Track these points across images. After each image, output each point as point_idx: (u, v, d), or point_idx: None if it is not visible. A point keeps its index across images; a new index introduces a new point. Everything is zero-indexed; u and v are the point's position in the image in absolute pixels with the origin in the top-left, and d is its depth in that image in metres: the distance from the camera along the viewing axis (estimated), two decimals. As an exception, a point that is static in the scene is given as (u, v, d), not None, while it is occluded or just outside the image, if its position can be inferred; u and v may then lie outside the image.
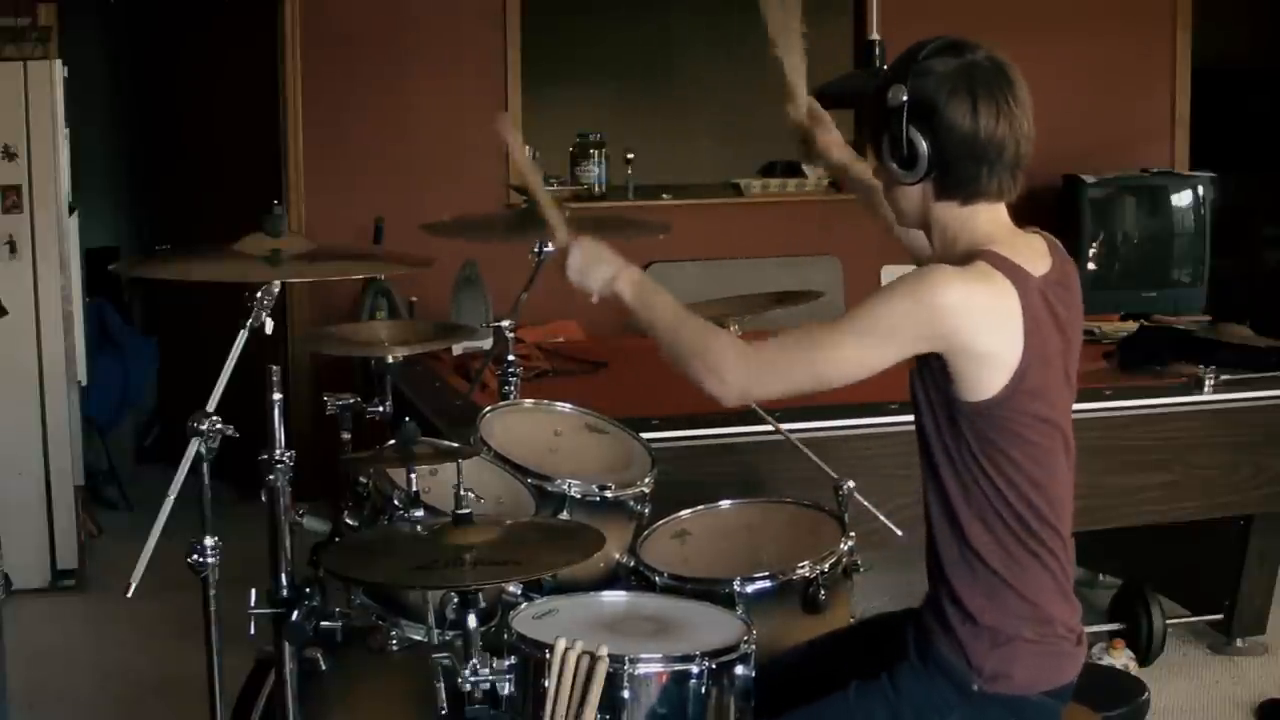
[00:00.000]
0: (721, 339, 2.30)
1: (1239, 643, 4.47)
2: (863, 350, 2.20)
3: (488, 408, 3.16)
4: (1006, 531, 2.24)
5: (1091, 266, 6.48)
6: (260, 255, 2.52)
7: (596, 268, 2.40)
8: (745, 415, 3.26)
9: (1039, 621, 2.26)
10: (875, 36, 4.76)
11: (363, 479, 2.86)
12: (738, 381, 2.26)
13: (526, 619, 2.48)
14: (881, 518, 2.98)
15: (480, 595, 2.42)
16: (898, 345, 2.20)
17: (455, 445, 2.82)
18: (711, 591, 2.69)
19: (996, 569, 2.24)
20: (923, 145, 2.22)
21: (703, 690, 2.35)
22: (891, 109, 2.22)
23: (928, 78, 2.21)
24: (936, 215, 2.29)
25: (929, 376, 2.24)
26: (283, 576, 2.49)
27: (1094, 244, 6.50)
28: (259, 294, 2.41)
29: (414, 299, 5.97)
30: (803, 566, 2.75)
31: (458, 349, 4.44)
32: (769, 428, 3.26)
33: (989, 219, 2.28)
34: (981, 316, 2.17)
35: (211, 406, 2.37)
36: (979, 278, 2.19)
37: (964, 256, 2.24)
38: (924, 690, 2.29)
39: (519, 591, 2.64)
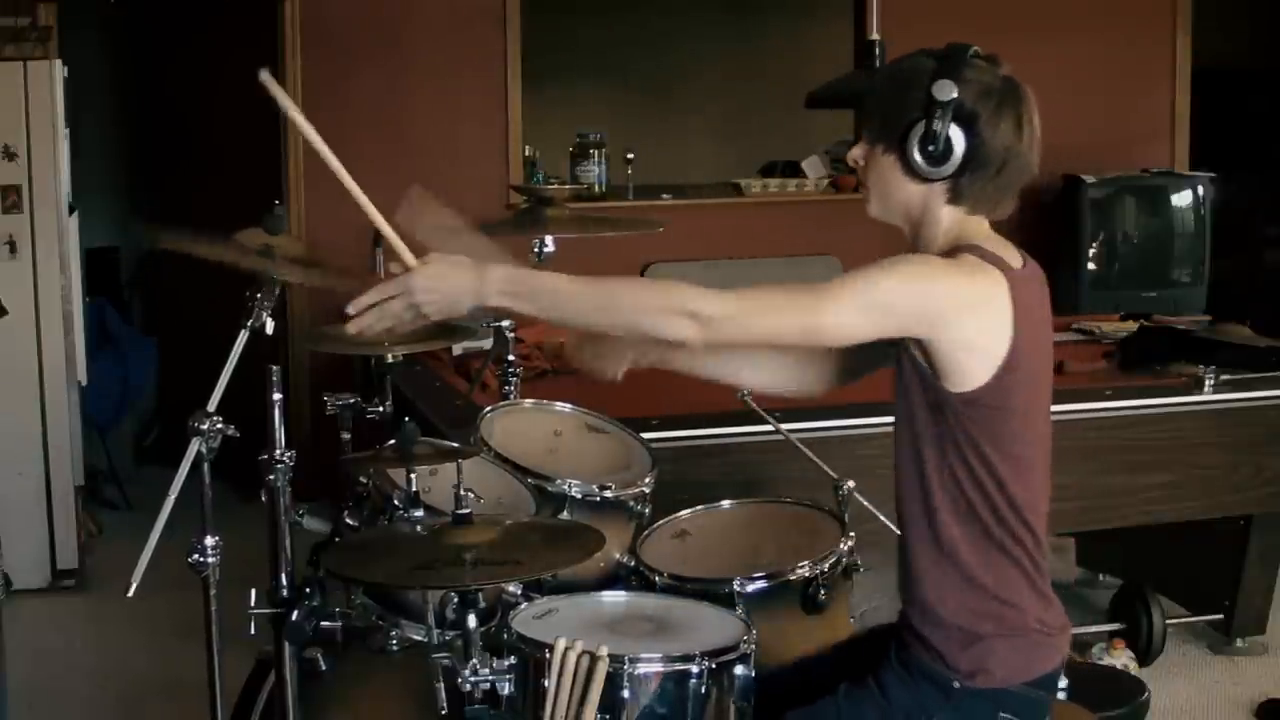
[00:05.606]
0: (679, 283, 2.14)
1: (1239, 643, 4.46)
2: (861, 317, 2.14)
3: (488, 408, 3.16)
4: (979, 525, 2.25)
5: (1091, 266, 6.47)
6: (254, 249, 2.52)
7: (449, 280, 2.20)
8: (745, 415, 3.26)
9: (1010, 619, 2.27)
10: (875, 36, 4.76)
11: (363, 479, 2.86)
12: (721, 312, 2.10)
13: (526, 619, 2.48)
14: (881, 518, 2.97)
15: (480, 595, 2.42)
16: (895, 322, 2.17)
17: (455, 445, 2.81)
18: (711, 591, 2.68)
19: (968, 564, 2.25)
20: (960, 145, 2.21)
21: (702, 690, 2.35)
22: (938, 102, 2.19)
23: (973, 84, 2.21)
24: (936, 214, 2.29)
25: (914, 366, 2.24)
26: (283, 576, 2.49)
27: (1094, 244, 6.48)
28: (259, 294, 2.41)
29: (414, 299, 5.96)
30: (803, 566, 2.75)
31: (458, 349, 4.44)
32: (769, 428, 3.26)
33: (978, 224, 2.31)
34: (974, 306, 2.18)
35: (211, 406, 2.37)
36: (974, 269, 2.21)
37: (945, 251, 2.27)
38: (909, 695, 2.31)
39: (519, 591, 2.64)
